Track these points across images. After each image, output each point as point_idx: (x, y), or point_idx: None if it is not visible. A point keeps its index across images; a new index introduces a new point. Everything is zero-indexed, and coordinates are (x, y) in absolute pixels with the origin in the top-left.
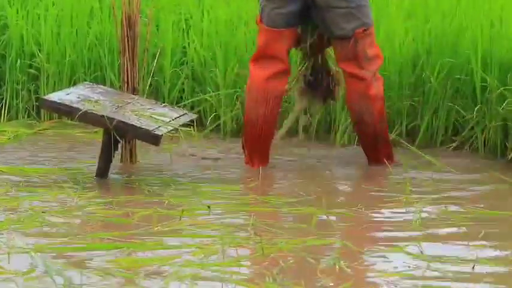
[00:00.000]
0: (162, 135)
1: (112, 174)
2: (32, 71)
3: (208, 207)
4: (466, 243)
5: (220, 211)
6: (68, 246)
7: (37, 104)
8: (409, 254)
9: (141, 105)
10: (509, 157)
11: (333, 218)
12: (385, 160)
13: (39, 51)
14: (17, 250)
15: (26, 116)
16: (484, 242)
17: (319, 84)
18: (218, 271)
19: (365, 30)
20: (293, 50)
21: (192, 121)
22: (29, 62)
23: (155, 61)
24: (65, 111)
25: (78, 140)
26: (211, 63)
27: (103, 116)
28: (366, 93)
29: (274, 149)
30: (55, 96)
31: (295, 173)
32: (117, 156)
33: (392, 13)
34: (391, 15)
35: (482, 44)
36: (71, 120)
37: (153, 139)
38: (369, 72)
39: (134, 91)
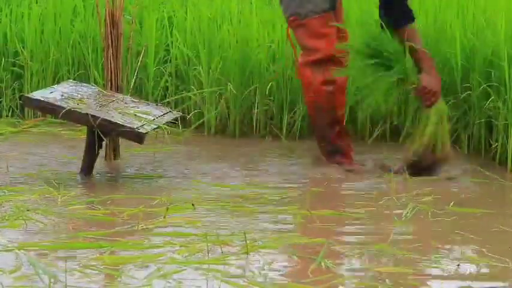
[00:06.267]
0: (146, 133)
1: (96, 172)
2: (15, 69)
3: (193, 205)
4: (449, 240)
5: (205, 209)
6: (52, 245)
7: (21, 102)
8: (392, 251)
9: (125, 103)
10: (493, 153)
11: (316, 217)
12: (325, 157)
13: (23, 49)
14: (1, 248)
15: (9, 115)
16: (468, 239)
17: None
18: (203, 269)
19: (295, 20)
20: None
21: (176, 119)
22: (12, 60)
23: (139, 59)
24: (48, 109)
25: (62, 138)
26: (194, 61)
27: (87, 114)
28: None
29: (260, 150)
30: (39, 95)
31: (278, 172)
32: (101, 154)
33: (375, 14)
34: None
35: (466, 41)
36: (55, 118)
37: (137, 137)
38: (302, 59)
39: (118, 89)
